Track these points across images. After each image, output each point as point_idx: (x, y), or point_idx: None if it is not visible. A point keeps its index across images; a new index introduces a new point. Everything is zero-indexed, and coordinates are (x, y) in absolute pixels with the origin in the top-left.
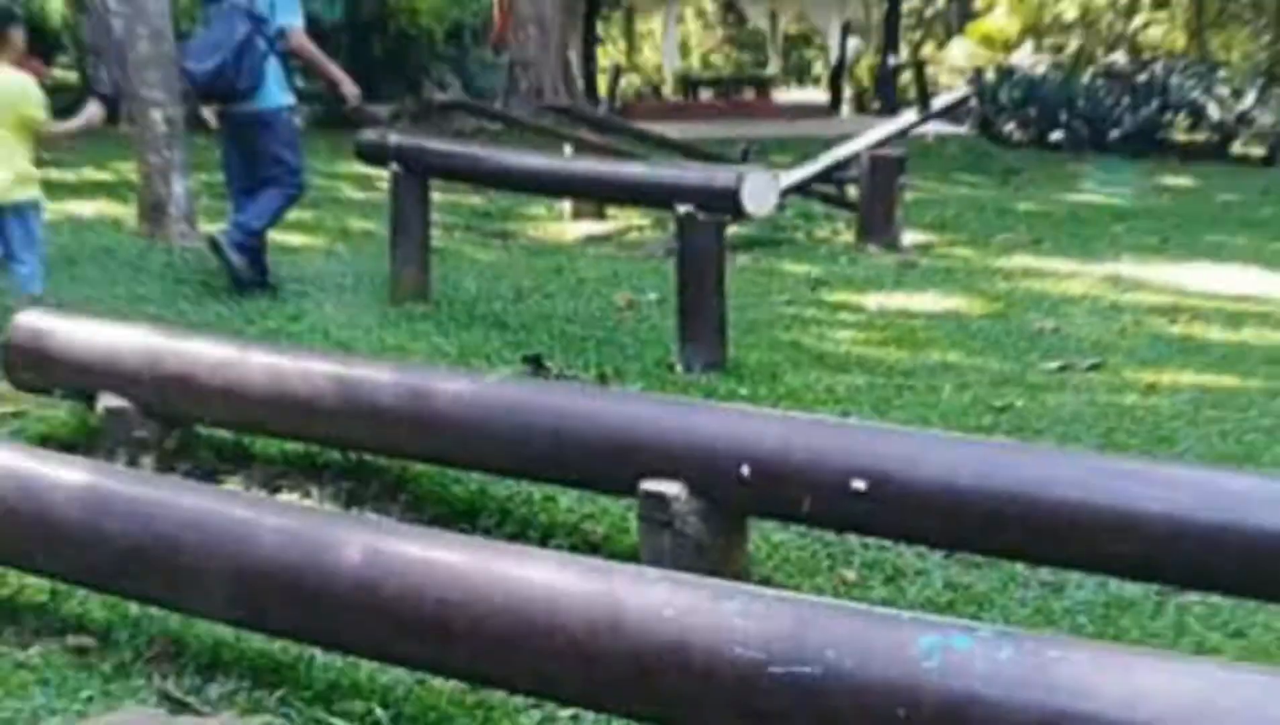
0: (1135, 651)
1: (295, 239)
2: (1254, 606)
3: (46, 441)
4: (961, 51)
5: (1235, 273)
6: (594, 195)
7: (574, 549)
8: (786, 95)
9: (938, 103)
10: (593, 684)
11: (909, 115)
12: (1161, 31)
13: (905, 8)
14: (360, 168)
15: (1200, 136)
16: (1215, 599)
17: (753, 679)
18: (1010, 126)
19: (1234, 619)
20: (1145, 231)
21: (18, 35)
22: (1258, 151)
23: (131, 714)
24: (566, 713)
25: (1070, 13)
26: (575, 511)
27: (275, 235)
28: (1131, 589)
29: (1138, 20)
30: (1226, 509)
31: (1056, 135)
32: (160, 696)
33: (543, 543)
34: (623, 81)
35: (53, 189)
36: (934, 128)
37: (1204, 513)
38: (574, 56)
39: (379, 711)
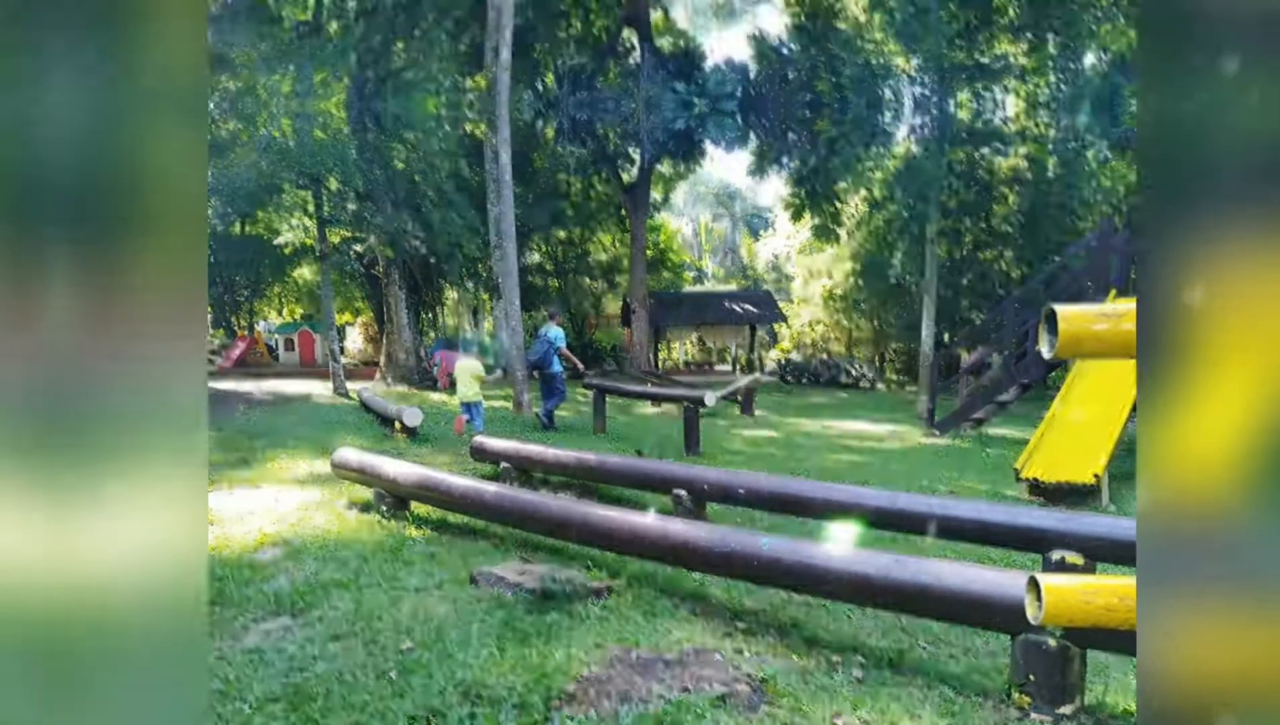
0: (820, 543)
1: (562, 412)
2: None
3: (484, 477)
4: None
5: (860, 423)
6: (659, 398)
7: (656, 510)
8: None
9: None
10: (658, 552)
11: (755, 376)
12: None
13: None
14: (584, 392)
15: (850, 382)
16: (887, 535)
17: (704, 551)
18: (789, 378)
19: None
20: (832, 412)
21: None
22: (866, 385)
23: (508, 563)
24: (697, 575)
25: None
26: (653, 499)
27: (559, 412)
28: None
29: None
30: (878, 498)
31: (803, 382)
32: (519, 559)
33: (643, 509)
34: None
35: (486, 398)
36: (764, 378)
37: (871, 500)
38: (650, 353)
39: (593, 566)
